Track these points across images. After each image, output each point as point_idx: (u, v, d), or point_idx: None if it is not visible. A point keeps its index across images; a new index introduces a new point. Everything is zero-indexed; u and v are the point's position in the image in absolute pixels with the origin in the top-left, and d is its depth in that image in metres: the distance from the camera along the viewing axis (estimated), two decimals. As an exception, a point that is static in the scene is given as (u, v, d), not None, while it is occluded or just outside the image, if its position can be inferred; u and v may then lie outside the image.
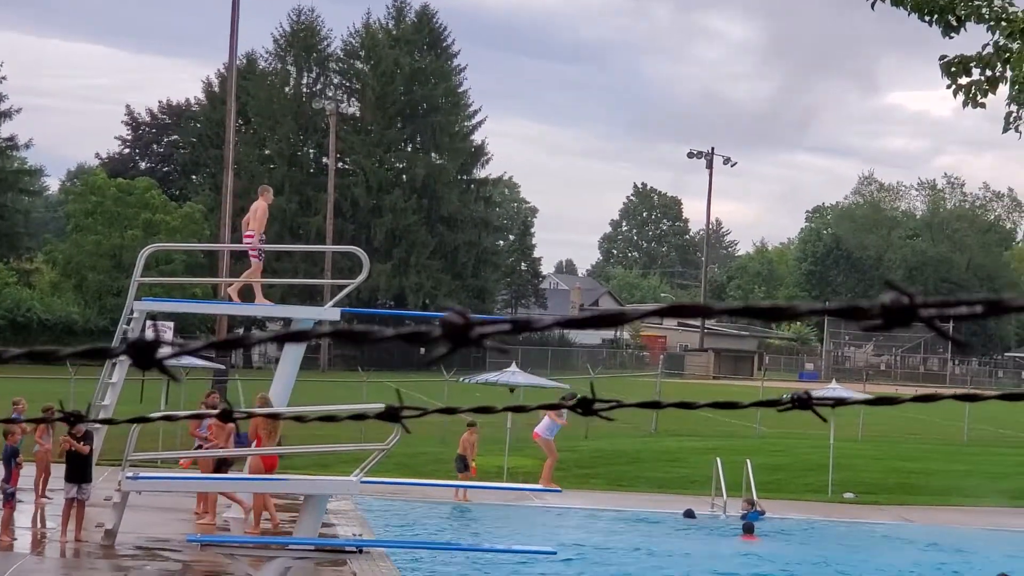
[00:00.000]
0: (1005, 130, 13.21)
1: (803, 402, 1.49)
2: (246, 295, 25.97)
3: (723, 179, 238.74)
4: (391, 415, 1.69)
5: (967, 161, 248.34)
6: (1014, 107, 13.11)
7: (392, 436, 20.33)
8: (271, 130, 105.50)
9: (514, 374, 35.78)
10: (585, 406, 1.61)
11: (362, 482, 20.65)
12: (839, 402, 1.57)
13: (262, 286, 24.66)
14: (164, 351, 1.56)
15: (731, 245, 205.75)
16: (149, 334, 1.56)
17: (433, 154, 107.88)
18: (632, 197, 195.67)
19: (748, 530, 26.49)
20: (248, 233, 23.95)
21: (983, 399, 1.72)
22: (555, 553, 20.46)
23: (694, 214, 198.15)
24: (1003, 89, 13.03)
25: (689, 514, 28.49)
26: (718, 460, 29.75)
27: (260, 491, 23.39)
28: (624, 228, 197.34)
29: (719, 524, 28.15)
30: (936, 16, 12.57)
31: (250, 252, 23.99)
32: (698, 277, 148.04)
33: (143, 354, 1.50)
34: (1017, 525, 30.15)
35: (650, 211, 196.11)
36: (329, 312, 24.40)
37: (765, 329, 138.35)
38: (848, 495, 33.88)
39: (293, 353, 23.49)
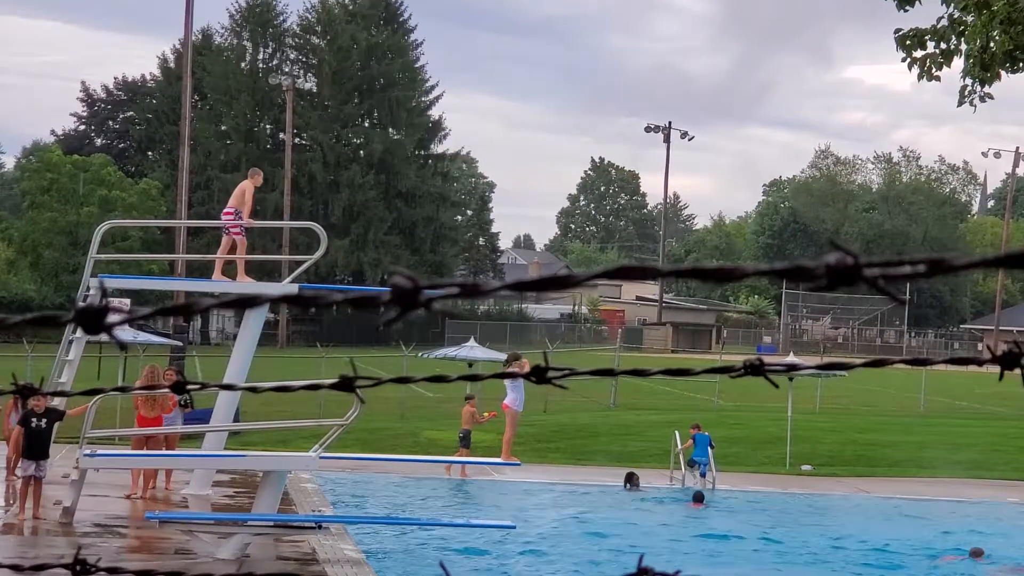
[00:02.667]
0: (960, 103, 13.26)
1: (756, 368, 1.49)
2: (228, 273, 25.91)
3: (681, 153, 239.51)
4: (346, 385, 1.68)
5: (925, 134, 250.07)
6: (968, 80, 13.16)
7: (351, 411, 20.30)
8: (227, 106, 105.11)
9: (472, 348, 35.81)
10: (539, 374, 1.61)
11: (321, 458, 20.62)
12: (791, 367, 1.56)
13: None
14: (113, 318, 1.55)
15: (689, 219, 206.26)
16: (97, 299, 1.55)
17: (390, 129, 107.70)
18: (590, 171, 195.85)
19: (698, 499, 26.98)
20: (227, 210, 23.92)
21: (931, 363, 1.72)
22: (514, 527, 20.50)
23: (652, 188, 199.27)
24: (958, 62, 13.09)
25: (630, 479, 28.68)
26: (676, 433, 29.86)
27: (218, 467, 23.37)
28: (582, 202, 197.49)
29: (672, 493, 28.35)
30: (891, -11, 12.61)
31: (231, 230, 23.94)
32: (656, 251, 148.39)
33: (92, 320, 1.49)
34: (973, 495, 30.37)
35: (608, 185, 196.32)
36: (287, 288, 24.29)
37: (723, 303, 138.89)
38: (806, 467, 34.04)
39: (251, 329, 23.43)
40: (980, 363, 1.40)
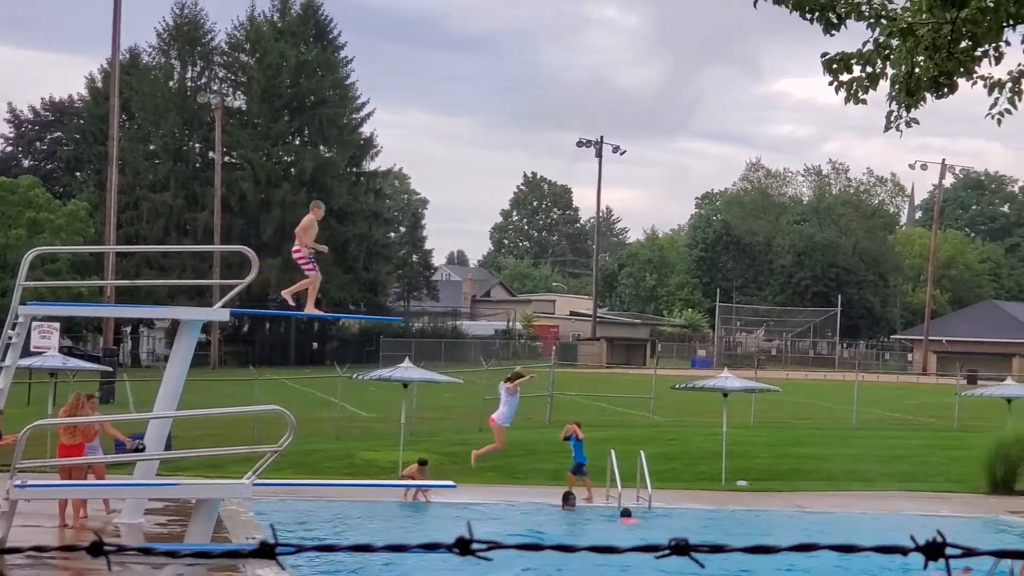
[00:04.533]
0: (887, 128, 13.33)
1: (681, 549, 1.41)
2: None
3: (613, 167, 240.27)
4: (266, 553, 1.60)
5: (853, 146, 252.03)
6: (894, 106, 13.23)
7: (284, 437, 20.15)
8: (156, 125, 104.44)
9: (408, 369, 35.63)
10: (462, 546, 1.55)
11: (255, 484, 20.45)
12: (715, 548, 1.49)
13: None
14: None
15: (622, 232, 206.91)
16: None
17: (321, 147, 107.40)
18: (523, 187, 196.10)
19: (626, 514, 27.19)
20: (296, 248, 23.94)
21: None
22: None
23: (584, 202, 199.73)
24: (884, 86, 13.16)
25: (567, 498, 28.79)
26: (612, 452, 29.86)
27: (150, 496, 23.14)
28: (515, 218, 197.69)
29: (609, 510, 28.40)
30: (817, 14, 12.66)
31: (303, 265, 23.99)
32: (589, 265, 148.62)
33: None
34: (907, 508, 30.53)
35: (541, 200, 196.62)
36: (218, 313, 24.16)
37: (657, 317, 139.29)
38: (741, 483, 34.13)
39: (183, 351, 23.25)
40: (905, 552, 1.35)
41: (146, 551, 1.85)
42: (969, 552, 1.26)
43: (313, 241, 23.95)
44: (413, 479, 29.60)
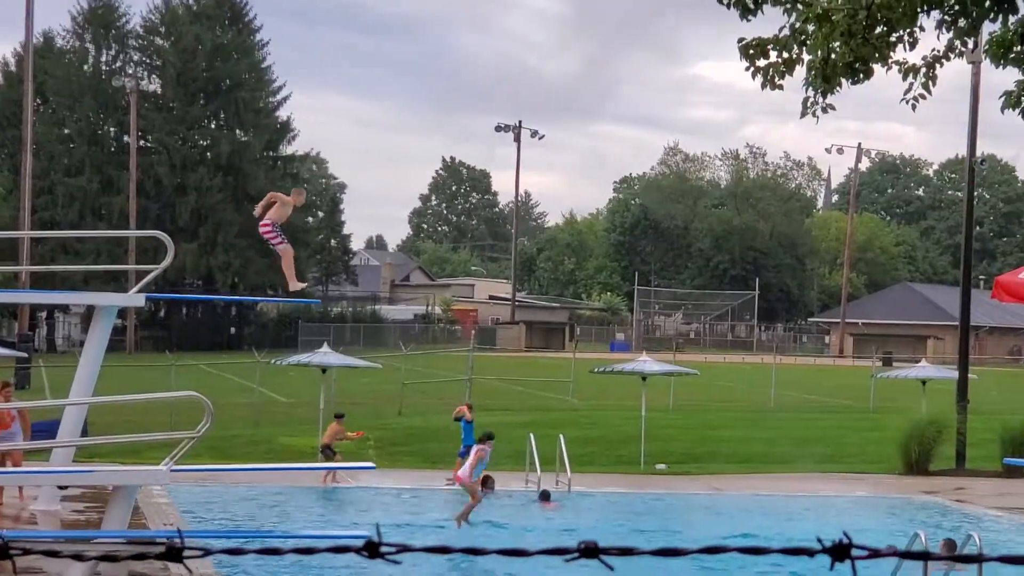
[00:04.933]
0: (803, 115, 13.42)
1: (591, 552, 1.41)
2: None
3: (531, 151, 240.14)
4: (173, 555, 1.58)
5: (771, 130, 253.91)
6: (810, 91, 13.32)
7: (202, 423, 20.02)
8: (70, 109, 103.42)
9: (326, 354, 35.53)
10: (371, 549, 1.53)
11: (173, 470, 20.30)
12: (624, 551, 1.48)
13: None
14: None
15: (540, 217, 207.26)
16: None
17: (238, 131, 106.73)
18: (441, 171, 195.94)
19: (545, 497, 27.25)
20: (264, 223, 23.86)
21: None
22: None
23: (503, 187, 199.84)
24: (800, 71, 13.24)
25: (486, 482, 28.82)
26: (531, 436, 29.91)
27: (66, 483, 22.92)
28: (434, 202, 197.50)
29: (528, 495, 28.46)
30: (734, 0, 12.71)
31: (273, 242, 23.89)
32: (508, 249, 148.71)
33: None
34: (824, 489, 30.81)
35: (459, 185, 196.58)
36: (134, 298, 23.97)
37: (576, 301, 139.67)
38: (660, 466, 34.28)
39: (98, 336, 23.02)
40: (811, 554, 1.35)
41: (52, 554, 1.82)
42: (875, 553, 1.27)
43: (280, 220, 24.05)
44: (335, 437, 29.85)
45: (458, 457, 30.38)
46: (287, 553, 1.72)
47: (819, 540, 1.32)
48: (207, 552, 1.80)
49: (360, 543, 1.50)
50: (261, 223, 24.04)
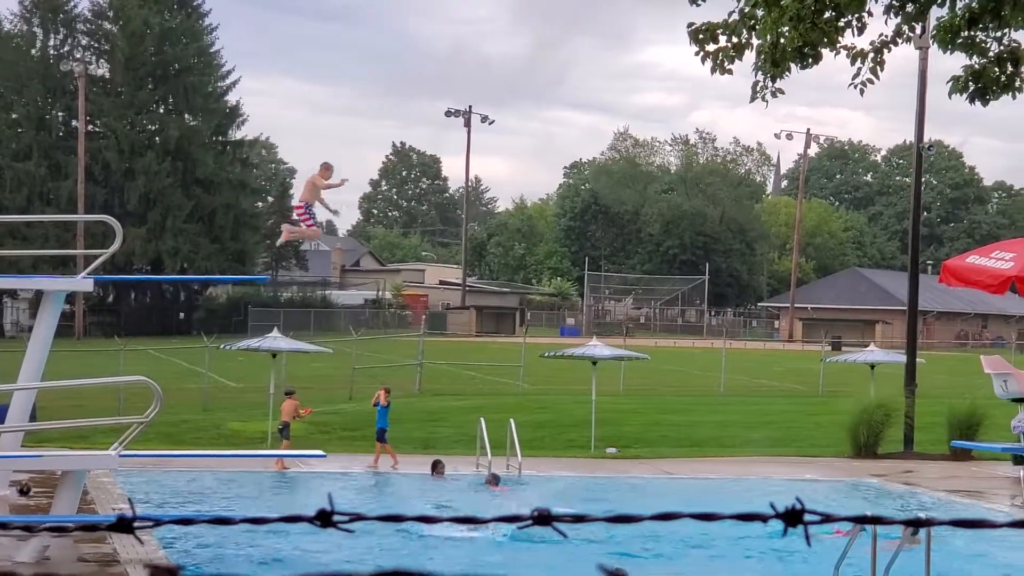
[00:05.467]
0: (752, 99, 13.47)
1: (544, 519, 1.40)
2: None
3: (481, 136, 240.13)
4: (124, 527, 1.57)
5: (722, 116, 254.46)
6: (760, 76, 13.37)
7: (151, 408, 19.95)
8: (18, 93, 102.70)
9: (276, 339, 35.41)
10: (324, 518, 1.53)
11: (121, 456, 20.21)
12: (578, 519, 1.48)
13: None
14: None
15: (491, 202, 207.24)
16: None
17: (187, 115, 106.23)
18: (391, 156, 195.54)
19: (494, 480, 27.43)
20: (297, 205, 24.46)
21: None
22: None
23: (453, 172, 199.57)
24: (750, 56, 13.29)
25: (436, 467, 28.88)
26: (482, 420, 29.92)
27: (14, 468, 22.79)
28: (384, 187, 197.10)
29: (478, 479, 28.50)
30: (685, -17, 12.76)
31: (305, 223, 24.41)
32: (458, 235, 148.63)
33: None
34: (774, 473, 30.96)
35: (410, 170, 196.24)
36: (82, 283, 23.81)
37: (526, 286, 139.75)
38: (610, 450, 34.38)
39: (47, 321, 22.86)
40: (765, 520, 1.36)
41: (1, 527, 1.80)
42: (827, 518, 1.28)
43: (314, 198, 24.53)
44: (292, 415, 30.02)
45: (377, 441, 30.58)
46: (238, 523, 1.72)
47: (772, 505, 1.33)
48: (158, 522, 1.80)
49: (312, 514, 1.50)
50: (295, 204, 24.60)
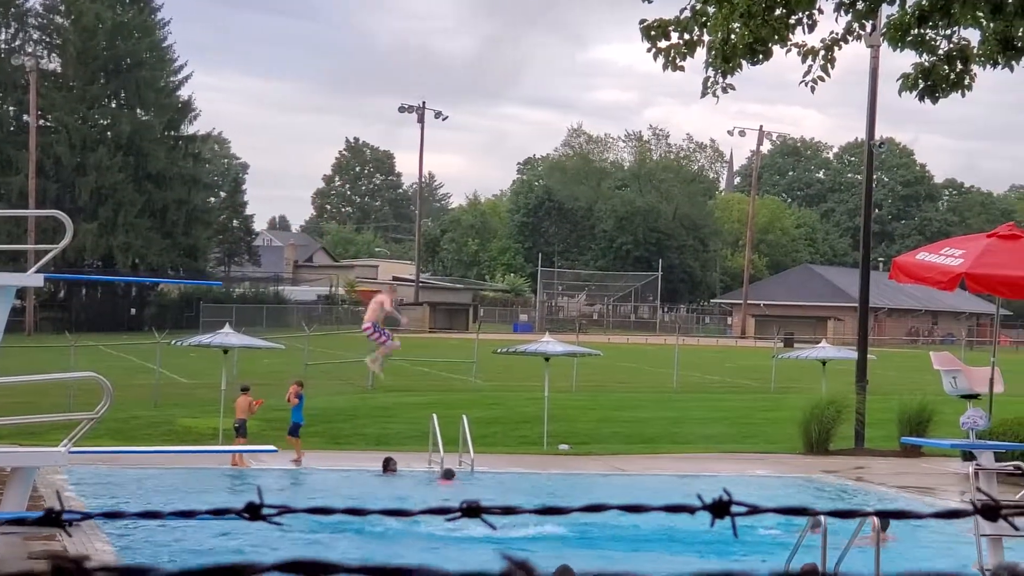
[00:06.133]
0: (704, 94, 13.51)
1: (473, 511, 1.40)
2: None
3: (435, 132, 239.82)
4: (52, 520, 1.55)
5: (675, 112, 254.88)
6: (711, 72, 13.42)
7: (101, 404, 19.86)
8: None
9: (228, 335, 35.24)
10: (252, 512, 1.52)
11: (71, 452, 20.12)
12: (507, 510, 1.47)
13: None
14: None
15: (444, 198, 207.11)
16: None
17: (139, 110, 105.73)
18: (345, 152, 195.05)
19: (448, 476, 27.46)
20: (364, 326, 25.99)
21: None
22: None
23: (407, 168, 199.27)
24: (701, 52, 13.33)
25: (388, 464, 28.88)
26: (434, 416, 29.89)
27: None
28: (337, 183, 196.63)
29: (429, 475, 28.51)
30: (636, -20, 12.78)
31: (376, 341, 25.98)
32: (412, 231, 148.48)
33: None
34: (725, 469, 31.04)
35: (363, 166, 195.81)
36: (32, 278, 23.66)
37: (479, 282, 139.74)
38: (563, 446, 34.41)
39: (-4, 318, 22.73)
40: (692, 511, 1.36)
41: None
42: (754, 509, 1.27)
43: (377, 317, 25.46)
44: (249, 412, 30.01)
45: (288, 436, 30.66)
46: (167, 516, 1.70)
47: (699, 497, 1.32)
48: (87, 516, 1.78)
49: (240, 507, 1.49)
50: (363, 327, 25.42)
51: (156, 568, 1.15)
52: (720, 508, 1.26)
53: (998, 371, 15.37)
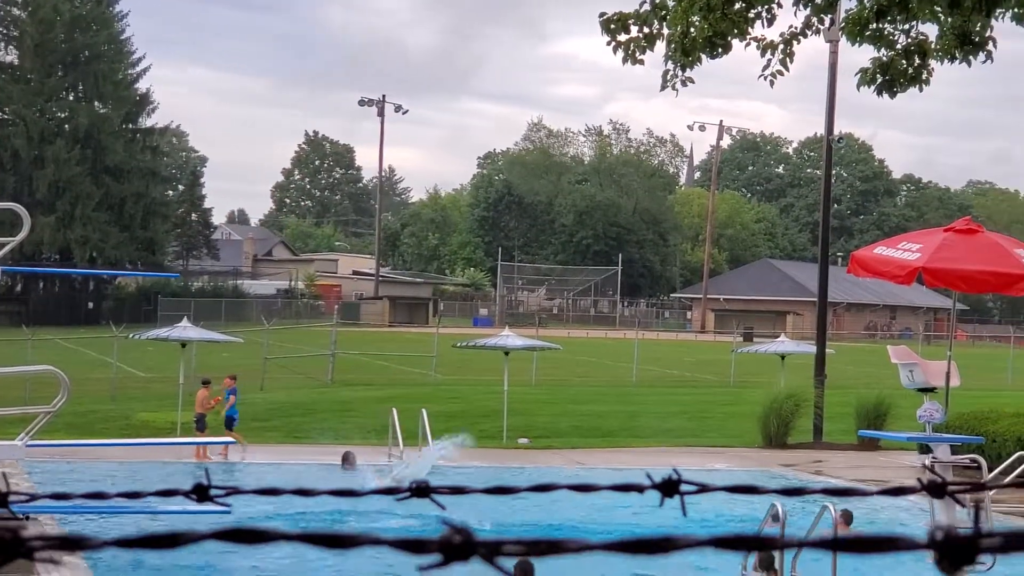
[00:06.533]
0: (663, 88, 13.53)
1: (422, 491, 1.39)
2: None
3: (395, 126, 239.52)
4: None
5: (636, 107, 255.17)
6: (670, 65, 13.43)
7: (58, 397, 19.75)
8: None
9: (186, 329, 35.11)
10: (199, 492, 1.51)
11: (28, 446, 20.00)
12: (455, 490, 1.47)
13: None
14: None
15: (404, 192, 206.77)
16: None
17: (96, 103, 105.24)
18: (304, 145, 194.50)
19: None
20: None
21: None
22: (230, 511, 20.21)
23: (367, 162, 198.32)
24: (661, 46, 13.34)
25: (347, 458, 28.86)
26: (394, 410, 29.86)
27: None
28: (297, 177, 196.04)
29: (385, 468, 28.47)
30: (596, -27, 12.78)
31: None
32: (372, 225, 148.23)
33: None
34: (684, 463, 31.10)
35: (323, 159, 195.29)
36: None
37: (439, 276, 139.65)
38: (522, 440, 34.42)
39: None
40: (641, 490, 1.35)
41: None
42: (703, 488, 1.27)
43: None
44: (206, 406, 30.01)
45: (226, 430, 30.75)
46: (113, 497, 1.69)
47: (648, 476, 1.32)
48: (32, 497, 1.77)
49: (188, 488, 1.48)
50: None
51: (93, 537, 1.14)
52: (669, 487, 1.26)
53: (955, 365, 15.45)
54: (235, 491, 1.43)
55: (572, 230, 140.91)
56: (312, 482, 25.26)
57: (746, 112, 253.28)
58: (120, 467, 27.42)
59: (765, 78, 14.36)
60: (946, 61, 14.56)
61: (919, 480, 1.33)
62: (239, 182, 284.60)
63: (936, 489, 1.27)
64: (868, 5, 13.87)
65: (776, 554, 16.11)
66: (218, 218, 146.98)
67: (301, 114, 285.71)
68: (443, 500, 1.35)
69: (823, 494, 1.38)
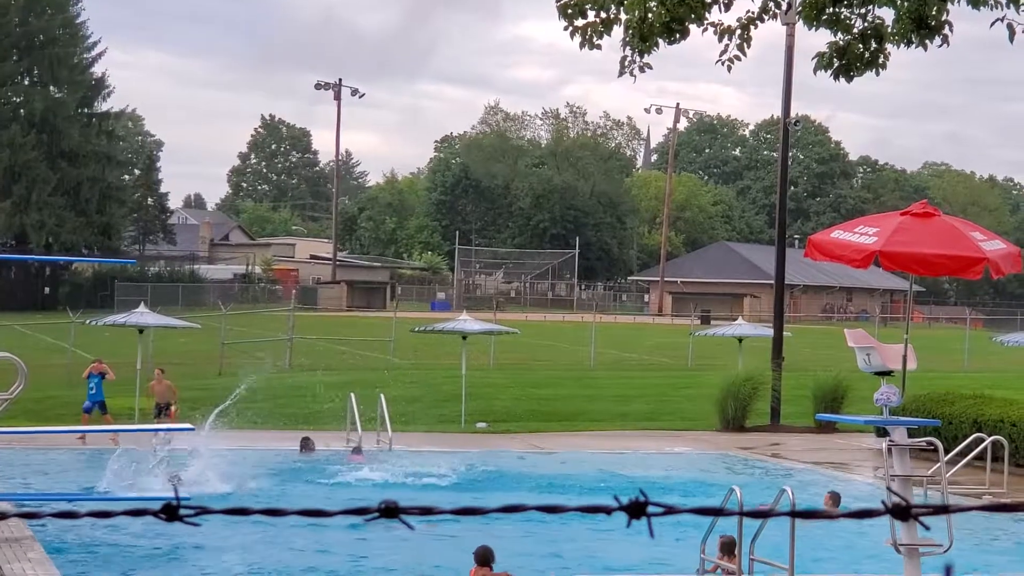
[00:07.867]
0: (620, 74, 13.52)
1: (391, 511, 1.39)
2: None
3: (352, 110, 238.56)
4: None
5: (594, 90, 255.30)
6: (628, 51, 13.43)
7: (15, 384, 19.66)
8: None
9: (143, 314, 35.01)
10: (169, 512, 1.51)
11: (-16, 434, 19.93)
12: (424, 510, 1.48)
13: None
14: None
15: (361, 176, 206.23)
16: None
17: (52, 87, 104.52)
18: (260, 129, 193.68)
19: (357, 451, 27.60)
20: None
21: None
22: (189, 499, 20.18)
23: (324, 145, 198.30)
24: (618, 31, 13.33)
25: (305, 444, 28.93)
26: (352, 395, 29.85)
27: None
28: (253, 161, 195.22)
29: (344, 452, 28.56)
30: (554, -41, 12.76)
31: None
32: (329, 209, 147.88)
33: None
34: (643, 446, 31.21)
35: (279, 143, 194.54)
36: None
37: (397, 260, 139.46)
38: (480, 424, 34.46)
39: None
40: (608, 511, 1.36)
41: None
42: (670, 510, 1.28)
43: None
44: (167, 396, 30.01)
45: (84, 413, 30.81)
46: (83, 516, 1.69)
47: (616, 498, 1.33)
48: (3, 515, 1.76)
49: (158, 506, 1.48)
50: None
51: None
52: (636, 509, 1.26)
53: (911, 348, 15.54)
54: (205, 511, 1.43)
55: (529, 213, 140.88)
56: (272, 468, 25.25)
57: (703, 95, 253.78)
58: (79, 454, 27.32)
59: (723, 63, 14.37)
60: (902, 45, 14.61)
61: (884, 504, 1.34)
62: (195, 166, 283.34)
63: (900, 512, 1.28)
64: (825, -10, 13.89)
65: (736, 538, 16.19)
66: (174, 202, 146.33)
67: (257, 98, 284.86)
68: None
69: (788, 516, 1.40)
